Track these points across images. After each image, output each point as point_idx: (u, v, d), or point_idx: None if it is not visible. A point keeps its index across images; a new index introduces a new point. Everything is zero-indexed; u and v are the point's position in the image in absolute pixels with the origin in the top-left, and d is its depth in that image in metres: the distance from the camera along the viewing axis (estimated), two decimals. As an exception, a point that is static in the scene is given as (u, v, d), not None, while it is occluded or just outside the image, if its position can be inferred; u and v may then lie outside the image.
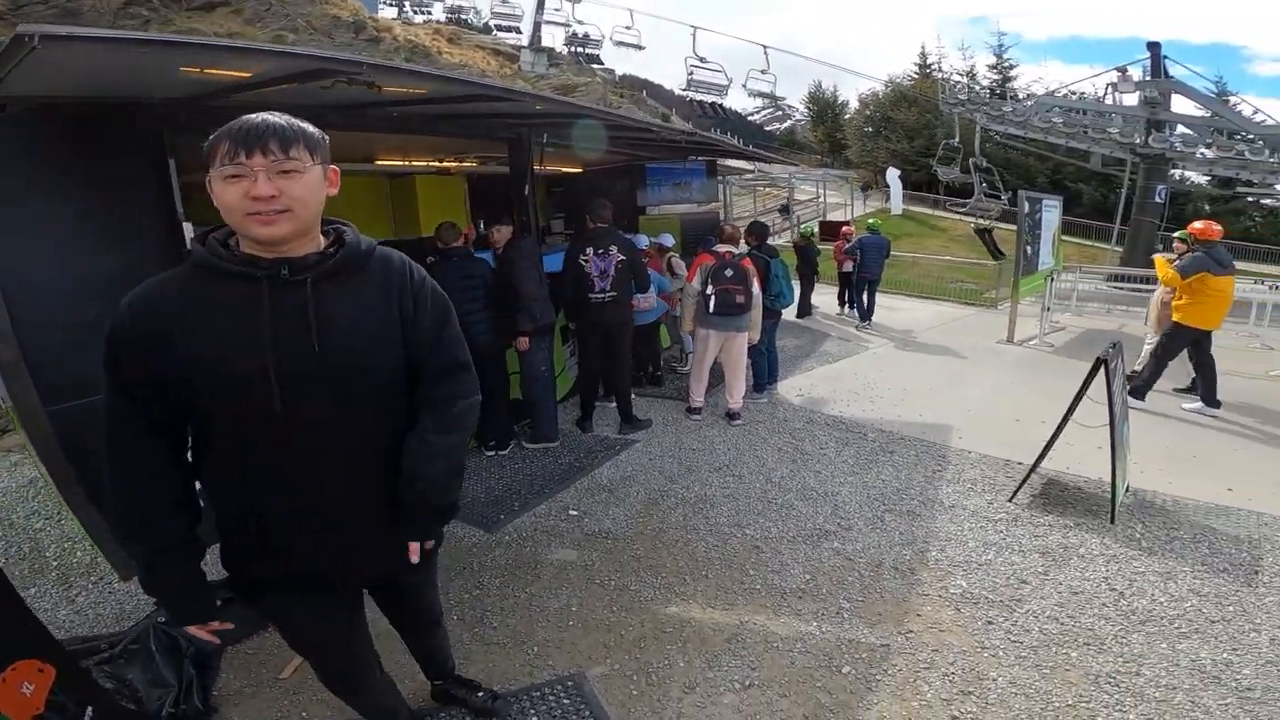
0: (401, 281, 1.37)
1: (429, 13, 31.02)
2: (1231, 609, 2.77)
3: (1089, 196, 24.19)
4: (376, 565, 1.48)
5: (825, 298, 10.57)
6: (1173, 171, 18.03)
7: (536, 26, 29.52)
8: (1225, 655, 2.48)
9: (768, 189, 28.47)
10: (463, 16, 32.53)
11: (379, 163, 6.58)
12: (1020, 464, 4.26)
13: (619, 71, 31.75)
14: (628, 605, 2.94)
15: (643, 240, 6.04)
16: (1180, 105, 16.49)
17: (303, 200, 1.22)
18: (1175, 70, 16.27)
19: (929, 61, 33.49)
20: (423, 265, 1.45)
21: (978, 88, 22.60)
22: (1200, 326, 5.30)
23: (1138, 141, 16.09)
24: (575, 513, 3.82)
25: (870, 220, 10.43)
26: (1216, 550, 3.27)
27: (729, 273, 4.78)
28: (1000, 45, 32.49)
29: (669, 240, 6.58)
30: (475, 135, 4.75)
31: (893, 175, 26.34)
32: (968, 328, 9.21)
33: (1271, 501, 3.82)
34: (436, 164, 7.13)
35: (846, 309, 10.17)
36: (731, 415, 5.25)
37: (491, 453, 4.57)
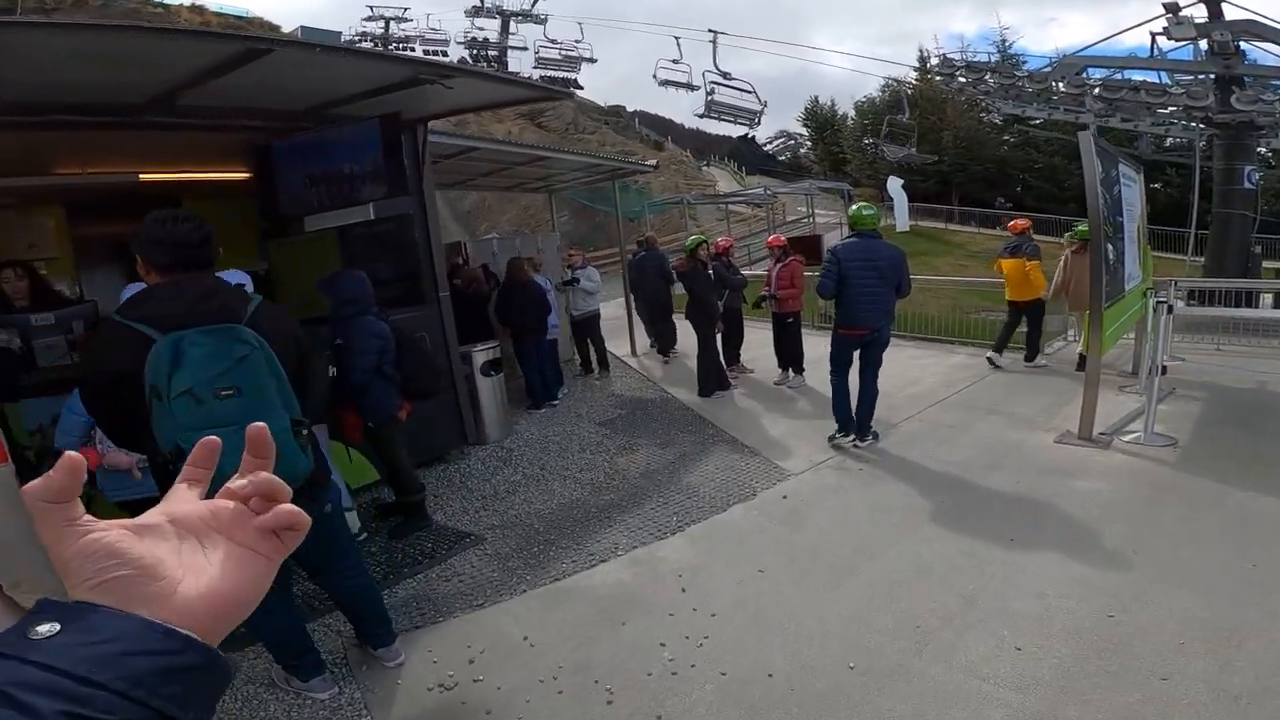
0: None
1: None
2: None
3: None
4: None
5: (761, 350, 6.42)
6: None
7: (500, 51, 26.53)
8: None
9: (749, 209, 24.39)
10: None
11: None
12: None
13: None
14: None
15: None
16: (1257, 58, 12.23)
17: None
18: (1232, 13, 11.90)
19: (929, 63, 29.46)
20: None
21: (982, 57, 18.20)
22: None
23: (1211, 106, 11.80)
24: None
25: (854, 209, 4.49)
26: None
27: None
28: (1002, 35, 28.28)
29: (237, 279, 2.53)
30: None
31: (894, 185, 22.07)
32: (999, 401, 5.01)
33: None
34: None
35: (790, 375, 6.03)
36: None
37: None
